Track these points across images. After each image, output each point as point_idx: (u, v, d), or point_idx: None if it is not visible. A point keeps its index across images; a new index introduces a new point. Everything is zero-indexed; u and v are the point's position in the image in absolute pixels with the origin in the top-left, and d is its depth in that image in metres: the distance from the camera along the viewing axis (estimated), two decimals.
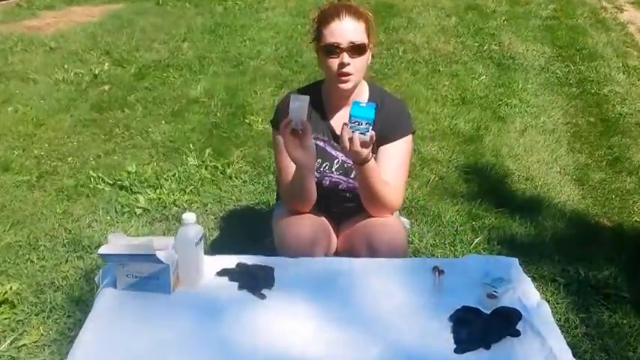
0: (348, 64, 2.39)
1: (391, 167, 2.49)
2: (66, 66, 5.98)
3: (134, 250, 2.09)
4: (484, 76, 5.93)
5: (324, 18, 2.43)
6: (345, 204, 2.63)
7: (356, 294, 2.16)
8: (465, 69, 6.08)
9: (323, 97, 2.56)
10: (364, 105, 2.23)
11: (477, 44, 6.68)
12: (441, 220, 3.79)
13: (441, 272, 2.23)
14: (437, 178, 4.27)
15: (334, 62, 2.41)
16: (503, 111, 5.30)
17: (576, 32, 7.20)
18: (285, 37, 6.72)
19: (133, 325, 2.01)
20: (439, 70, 6.03)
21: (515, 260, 2.36)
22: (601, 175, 4.45)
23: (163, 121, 4.95)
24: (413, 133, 2.59)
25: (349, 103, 2.40)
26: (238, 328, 2.00)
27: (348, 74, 2.41)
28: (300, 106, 2.22)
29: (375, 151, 2.46)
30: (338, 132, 2.37)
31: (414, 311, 2.09)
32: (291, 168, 2.44)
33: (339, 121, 2.49)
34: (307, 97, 2.25)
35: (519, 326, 2.03)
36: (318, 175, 2.52)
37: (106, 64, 6.01)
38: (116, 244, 2.13)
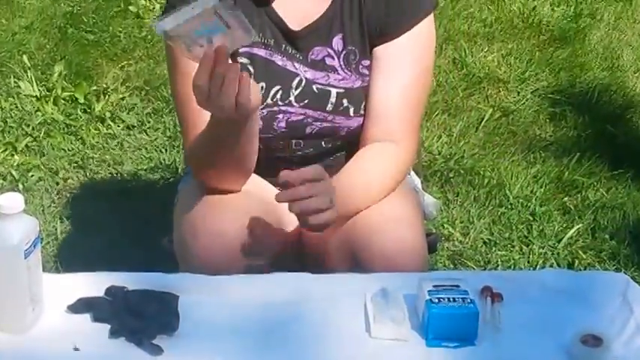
0: None
1: (397, 92, 1.84)
2: None
3: None
4: None
5: None
6: (320, 160, 1.94)
7: (322, 341, 1.57)
8: None
9: None
10: None
11: None
12: (504, 194, 2.97)
13: (496, 297, 1.61)
14: (499, 114, 3.43)
15: None
16: None
17: None
18: None
19: None
20: None
21: (626, 278, 1.76)
22: None
23: None
24: (434, 9, 1.93)
25: None
26: None
27: None
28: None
29: (366, 55, 1.87)
30: (293, 27, 1.87)
31: None
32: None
33: (292, 6, 1.89)
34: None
35: None
36: (264, 113, 1.87)
37: None
38: None
